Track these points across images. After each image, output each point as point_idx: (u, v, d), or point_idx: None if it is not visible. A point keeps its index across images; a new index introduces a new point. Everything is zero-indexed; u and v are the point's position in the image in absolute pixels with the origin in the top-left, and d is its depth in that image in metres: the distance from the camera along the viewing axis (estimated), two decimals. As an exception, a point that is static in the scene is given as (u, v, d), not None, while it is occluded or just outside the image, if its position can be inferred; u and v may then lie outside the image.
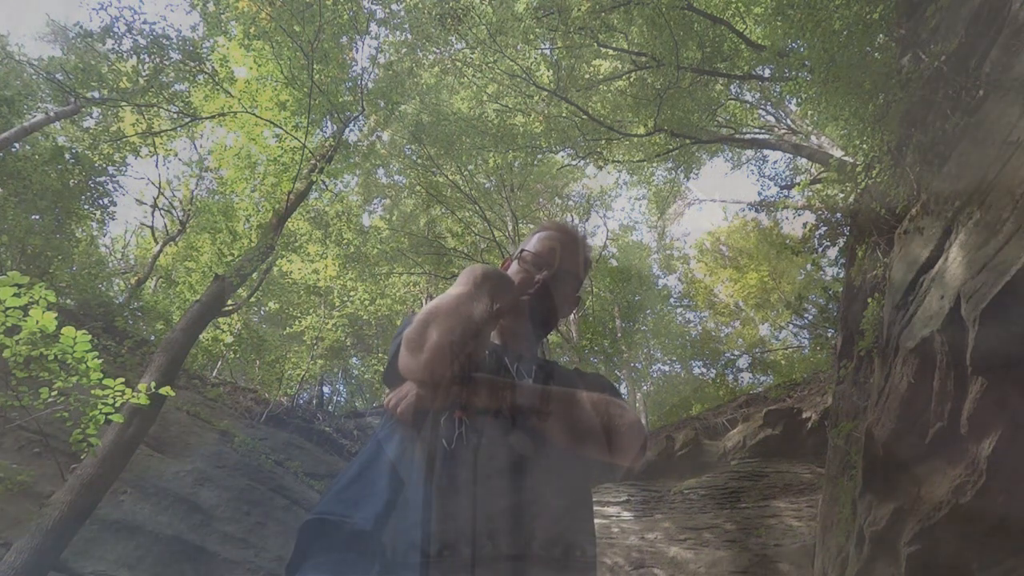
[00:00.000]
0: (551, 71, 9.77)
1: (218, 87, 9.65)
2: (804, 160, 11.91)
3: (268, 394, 12.16)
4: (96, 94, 8.89)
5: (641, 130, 10.03)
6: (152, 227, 14.57)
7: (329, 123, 10.98)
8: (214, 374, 12.96)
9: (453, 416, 0.98)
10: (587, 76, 10.12)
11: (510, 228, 14.07)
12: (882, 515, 3.59)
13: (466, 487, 0.90)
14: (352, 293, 14.17)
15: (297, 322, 13.52)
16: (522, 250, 1.33)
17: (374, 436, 1.08)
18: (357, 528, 0.91)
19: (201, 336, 9.60)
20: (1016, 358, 2.67)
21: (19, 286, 3.67)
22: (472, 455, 0.94)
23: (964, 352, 2.83)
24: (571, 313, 1.37)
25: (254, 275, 9.31)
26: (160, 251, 14.29)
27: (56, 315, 3.90)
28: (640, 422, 1.06)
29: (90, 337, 4.13)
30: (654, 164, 12.85)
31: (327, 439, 11.18)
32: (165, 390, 5.27)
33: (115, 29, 8.33)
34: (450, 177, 13.03)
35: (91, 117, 10.43)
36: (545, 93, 9.72)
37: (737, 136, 11.43)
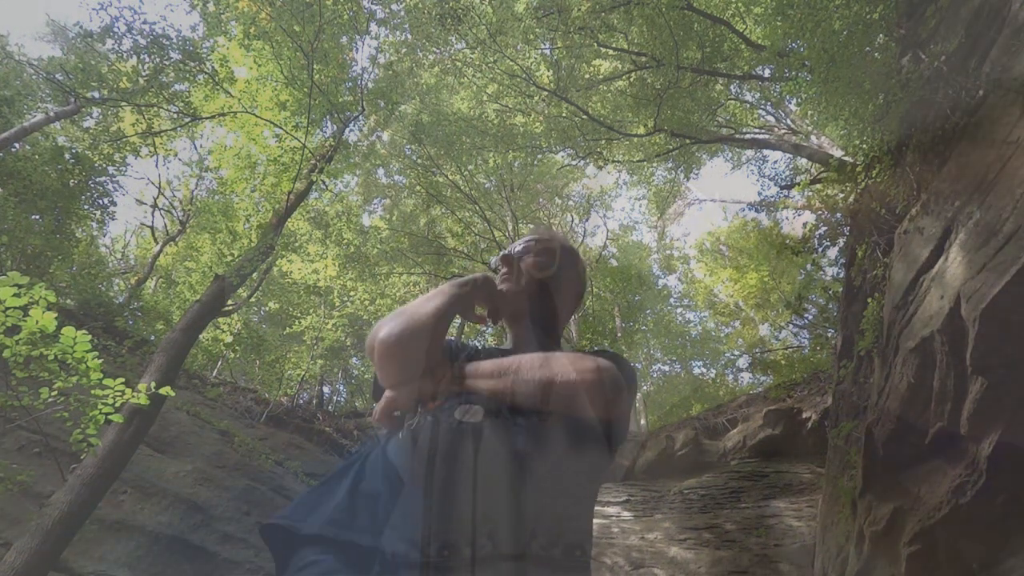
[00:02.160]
0: (551, 71, 9.76)
1: (218, 87, 9.64)
2: (804, 160, 11.90)
3: (268, 394, 12.16)
4: (96, 94, 8.89)
5: (641, 130, 10.03)
6: (152, 227, 14.58)
7: (329, 123, 10.98)
8: (214, 374, 12.96)
9: (420, 410, 1.01)
10: (587, 76, 10.12)
11: (510, 228, 14.08)
12: (882, 515, 3.59)
13: (432, 480, 0.91)
14: (352, 293, 14.17)
15: (297, 322, 13.52)
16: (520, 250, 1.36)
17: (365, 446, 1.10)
18: (307, 533, 0.93)
19: (201, 336, 9.60)
20: (1016, 358, 2.67)
21: (19, 286, 3.67)
22: (431, 444, 0.94)
23: (964, 352, 2.83)
24: (565, 309, 1.36)
25: (254, 275, 9.30)
26: (160, 251, 14.30)
27: (56, 315, 3.89)
28: (606, 369, 1.00)
29: (90, 337, 4.11)
30: (654, 164, 12.86)
31: (327, 439, 11.18)
32: (165, 390, 5.27)
33: (115, 29, 8.33)
34: (450, 177, 13.03)
35: (91, 117, 10.43)
36: (545, 93, 9.72)
37: (737, 136, 11.43)
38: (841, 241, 5.88)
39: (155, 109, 9.54)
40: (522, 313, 1.26)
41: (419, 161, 13.13)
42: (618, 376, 1.02)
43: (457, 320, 1.19)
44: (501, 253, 1.33)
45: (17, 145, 8.89)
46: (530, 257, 1.30)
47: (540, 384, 0.98)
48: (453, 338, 1.27)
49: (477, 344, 1.35)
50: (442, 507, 0.88)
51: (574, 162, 12.54)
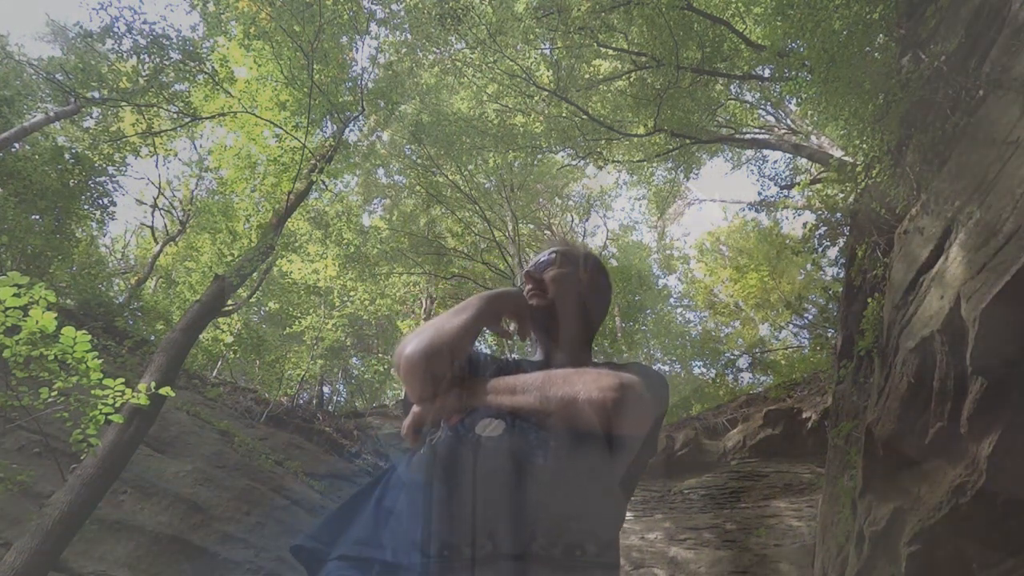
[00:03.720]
0: (551, 71, 9.77)
1: (218, 87, 9.64)
2: (804, 160, 11.91)
3: (268, 394, 12.16)
4: (96, 94, 8.89)
5: (641, 130, 10.03)
6: (152, 227, 14.60)
7: (329, 123, 10.98)
8: (214, 374, 12.96)
9: (443, 425, 1.01)
10: (587, 76, 10.12)
11: (510, 228, 14.08)
12: (882, 515, 3.59)
13: (450, 494, 0.92)
14: (352, 293, 14.17)
15: (297, 322, 13.52)
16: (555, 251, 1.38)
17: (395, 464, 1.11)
18: (334, 555, 0.95)
19: (201, 336, 9.60)
20: (1016, 358, 2.67)
21: (19, 286, 3.67)
22: (450, 458, 0.95)
23: (964, 352, 2.83)
24: (593, 318, 1.35)
25: (254, 275, 9.30)
26: (160, 251, 14.30)
27: (56, 315, 3.89)
28: (629, 386, 0.98)
29: (90, 337, 4.12)
30: (654, 164, 12.85)
31: (327, 439, 11.18)
32: (165, 390, 5.27)
33: (115, 29, 8.33)
34: (450, 177, 13.03)
35: (91, 117, 10.43)
36: (545, 93, 9.72)
37: (737, 136, 11.43)
38: (841, 241, 5.88)
39: (155, 109, 9.54)
40: (551, 326, 1.25)
41: (419, 161, 13.14)
42: (642, 393, 1.00)
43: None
44: (524, 271, 1.32)
45: (17, 145, 8.89)
46: (554, 269, 1.29)
47: (561, 402, 0.98)
48: (483, 351, 1.27)
49: (511, 356, 1.35)
50: (457, 521, 0.88)
51: (574, 162, 12.54)
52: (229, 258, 10.65)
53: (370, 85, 11.04)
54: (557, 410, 0.98)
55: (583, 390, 0.97)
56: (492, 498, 0.90)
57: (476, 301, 1.12)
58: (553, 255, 1.32)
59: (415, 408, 1.04)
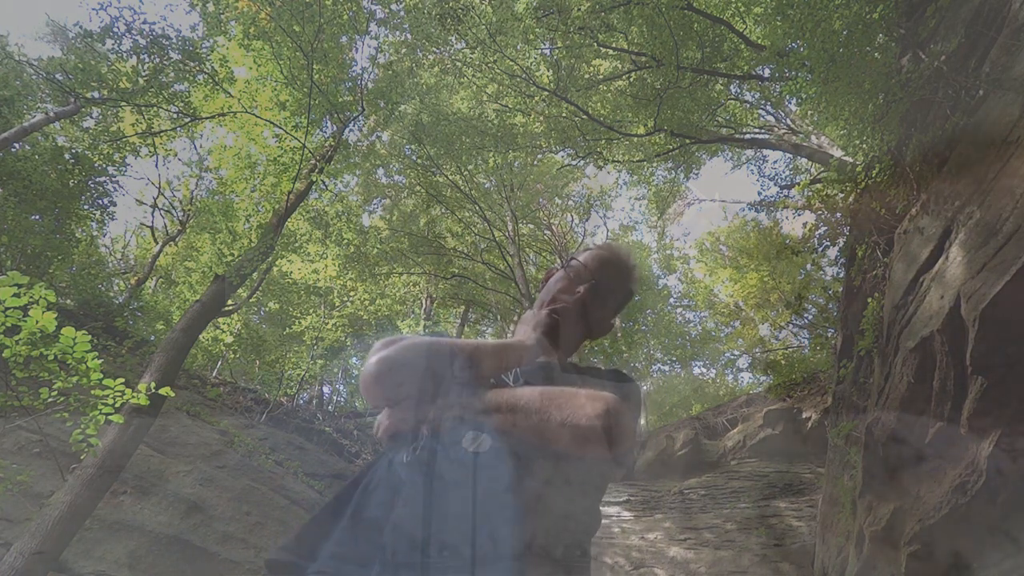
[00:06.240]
0: (551, 71, 9.77)
1: (218, 87, 9.64)
2: (804, 160, 11.91)
3: (268, 394, 12.16)
4: (96, 94, 8.89)
5: (641, 130, 10.03)
6: (152, 227, 14.60)
7: (329, 123, 10.98)
8: (214, 374, 12.97)
9: (424, 433, 1.00)
10: (587, 76, 10.12)
11: (510, 228, 14.09)
12: (882, 515, 3.59)
13: (433, 508, 0.91)
14: (352, 293, 14.18)
15: (297, 322, 13.52)
16: (572, 259, 1.34)
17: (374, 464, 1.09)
18: (311, 570, 0.93)
19: (201, 336, 9.60)
20: (1016, 358, 2.67)
21: (19, 286, 3.67)
22: (437, 472, 0.94)
23: (964, 352, 2.83)
24: (601, 336, 1.35)
25: (254, 275, 9.30)
26: (160, 251, 14.31)
27: (56, 315, 3.89)
28: (615, 412, 0.98)
29: (90, 337, 4.12)
30: (654, 164, 12.85)
31: (327, 439, 11.18)
32: (165, 390, 5.27)
33: (115, 29, 8.32)
34: (450, 177, 13.04)
35: (91, 117, 10.43)
36: (545, 93, 9.72)
37: (737, 136, 11.43)
38: (841, 241, 5.88)
39: (155, 109, 9.54)
40: (565, 332, 1.25)
41: (419, 161, 13.14)
42: (626, 414, 1.00)
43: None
44: (570, 260, 1.32)
45: (17, 145, 8.89)
46: (595, 278, 1.28)
47: (544, 427, 0.97)
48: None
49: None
50: (444, 534, 0.88)
51: (574, 162, 12.53)
52: (229, 258, 10.64)
53: (370, 85, 11.04)
54: (538, 435, 0.97)
55: (568, 416, 0.96)
56: (482, 513, 0.89)
57: (489, 348, 1.09)
58: (602, 252, 1.31)
59: (387, 414, 1.03)
